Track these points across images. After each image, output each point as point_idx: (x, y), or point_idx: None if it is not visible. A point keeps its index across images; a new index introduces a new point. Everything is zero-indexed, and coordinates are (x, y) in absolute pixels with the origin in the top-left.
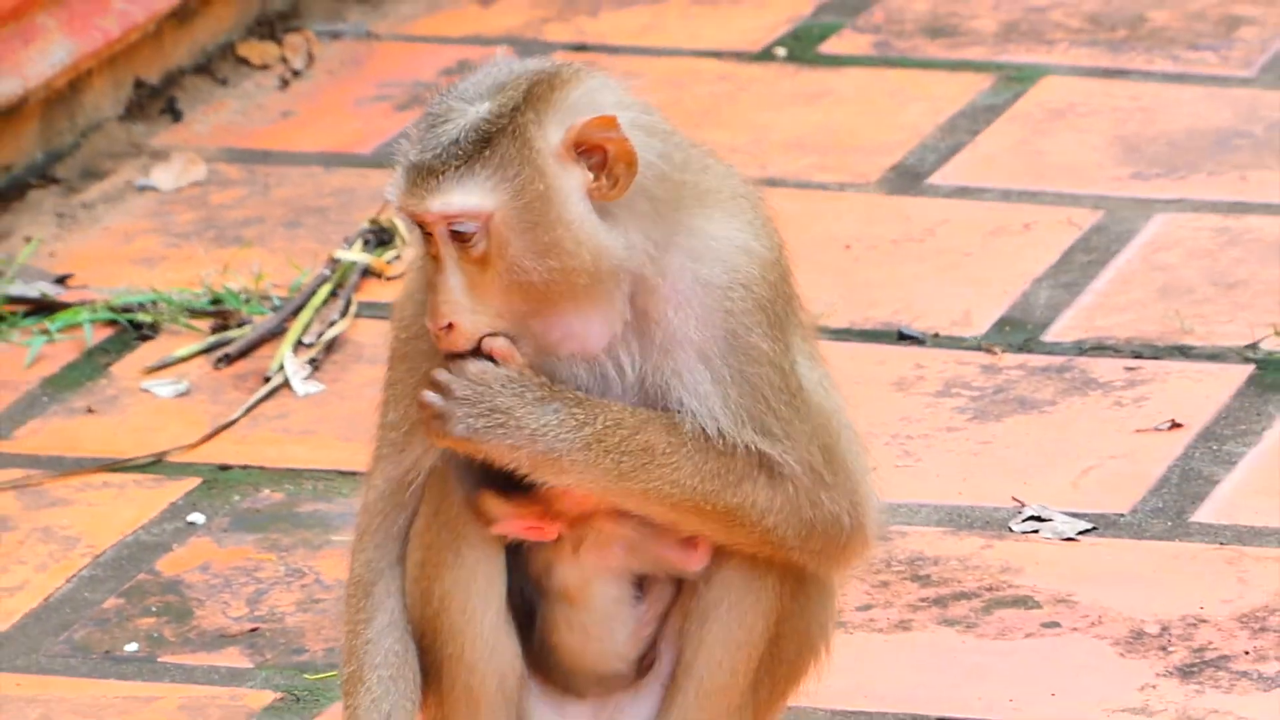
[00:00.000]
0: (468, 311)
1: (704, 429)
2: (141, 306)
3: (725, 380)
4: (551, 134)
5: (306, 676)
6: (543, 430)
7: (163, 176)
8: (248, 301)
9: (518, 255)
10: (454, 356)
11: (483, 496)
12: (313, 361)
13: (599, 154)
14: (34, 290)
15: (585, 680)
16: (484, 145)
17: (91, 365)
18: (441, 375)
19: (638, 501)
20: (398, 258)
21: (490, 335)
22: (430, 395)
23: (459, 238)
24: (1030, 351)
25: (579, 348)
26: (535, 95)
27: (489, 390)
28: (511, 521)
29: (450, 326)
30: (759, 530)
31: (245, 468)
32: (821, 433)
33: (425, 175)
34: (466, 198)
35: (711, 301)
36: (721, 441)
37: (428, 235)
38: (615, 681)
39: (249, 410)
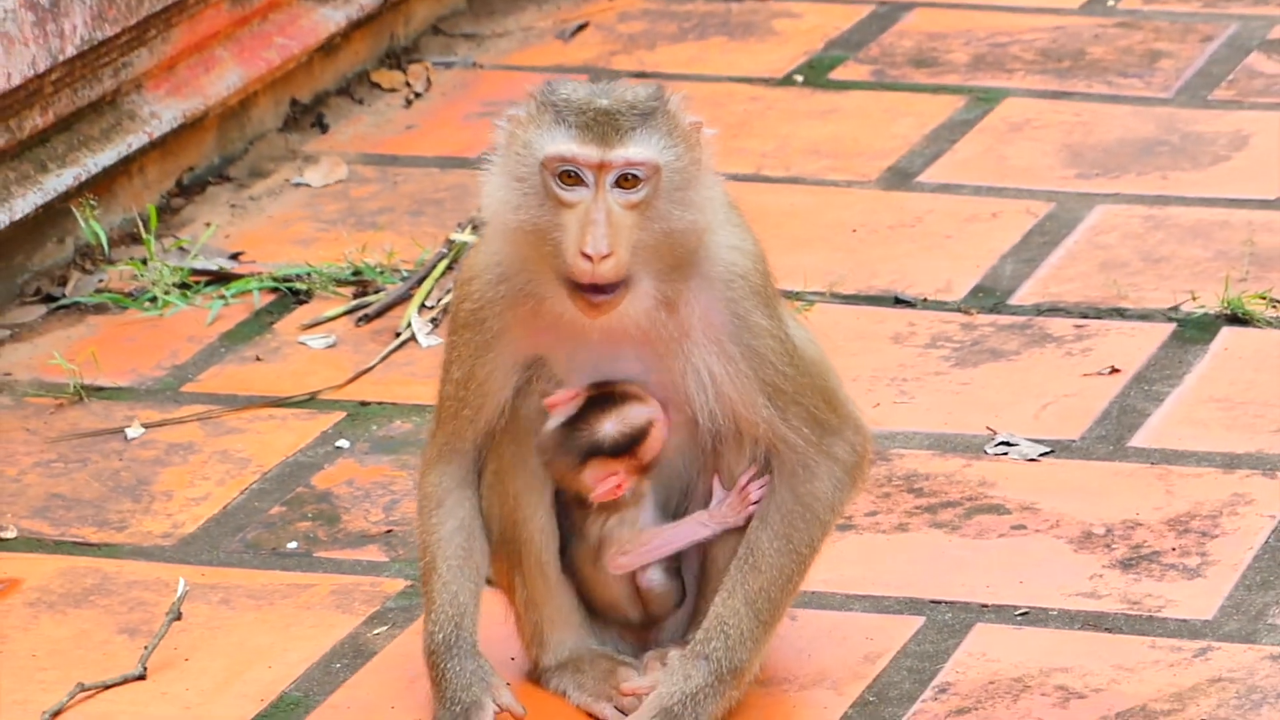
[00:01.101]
0: (623, 245)
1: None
2: (298, 277)
3: (735, 358)
4: (686, 118)
5: None
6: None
7: (313, 176)
8: (381, 273)
9: (668, 205)
10: (599, 291)
11: (590, 464)
12: (434, 320)
13: (703, 147)
14: (213, 264)
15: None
16: (653, 114)
17: (259, 324)
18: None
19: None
20: None
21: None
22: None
23: (626, 183)
24: (999, 312)
25: (654, 313)
26: (666, 91)
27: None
28: (611, 481)
29: (610, 255)
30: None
31: (381, 404)
32: (819, 379)
33: (610, 129)
34: (646, 150)
35: (716, 293)
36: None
37: (570, 181)
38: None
39: (384, 358)
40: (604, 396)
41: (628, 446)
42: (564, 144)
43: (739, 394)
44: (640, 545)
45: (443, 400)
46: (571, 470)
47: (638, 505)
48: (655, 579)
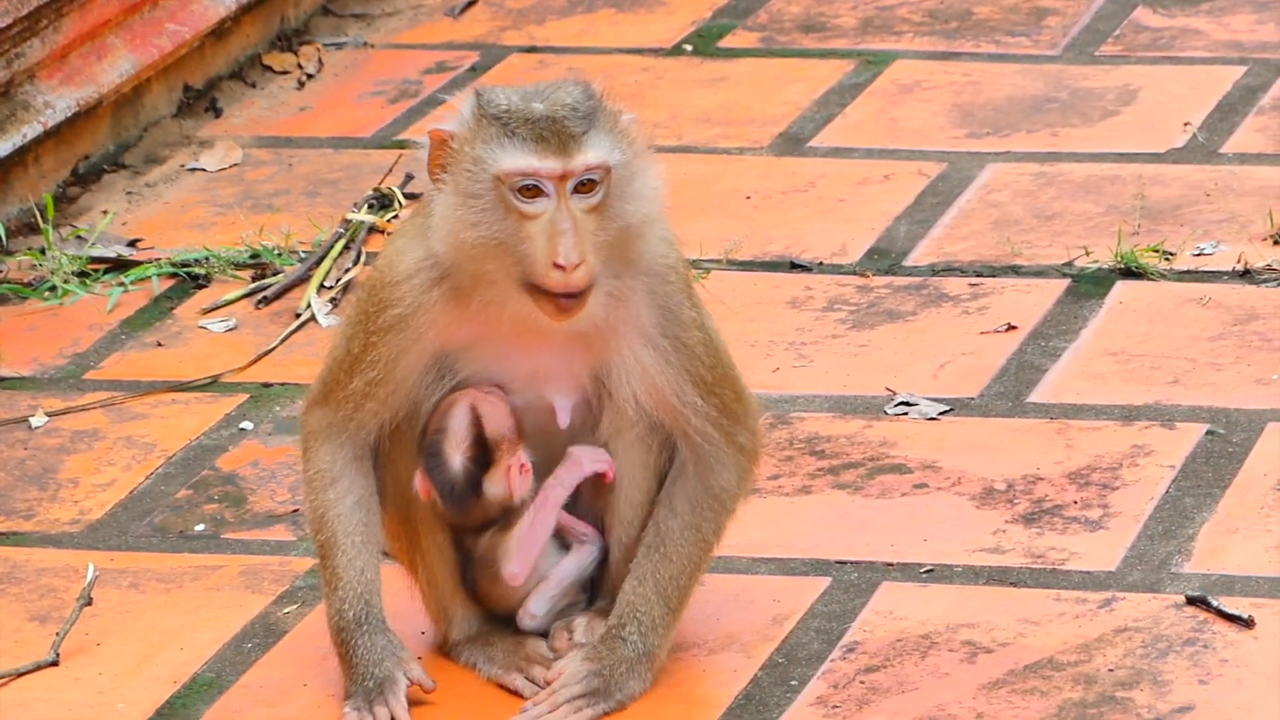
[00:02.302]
0: (590, 251)
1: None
2: (196, 262)
3: (666, 350)
4: (622, 113)
5: None
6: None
7: (208, 160)
8: (279, 255)
9: (620, 202)
10: (569, 297)
11: (484, 488)
12: (333, 300)
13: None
14: (111, 252)
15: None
16: (595, 114)
17: (159, 309)
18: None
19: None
20: (395, 217)
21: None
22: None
23: (583, 188)
24: (894, 274)
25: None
26: (597, 89)
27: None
28: (511, 473)
29: (581, 263)
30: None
31: (283, 384)
32: (730, 369)
33: (565, 138)
34: (600, 153)
35: (649, 287)
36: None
37: (530, 194)
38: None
39: (284, 340)
40: (429, 446)
41: (484, 453)
42: (522, 158)
43: (667, 386)
44: (516, 546)
45: (337, 381)
46: (479, 509)
47: (517, 516)
48: (539, 616)
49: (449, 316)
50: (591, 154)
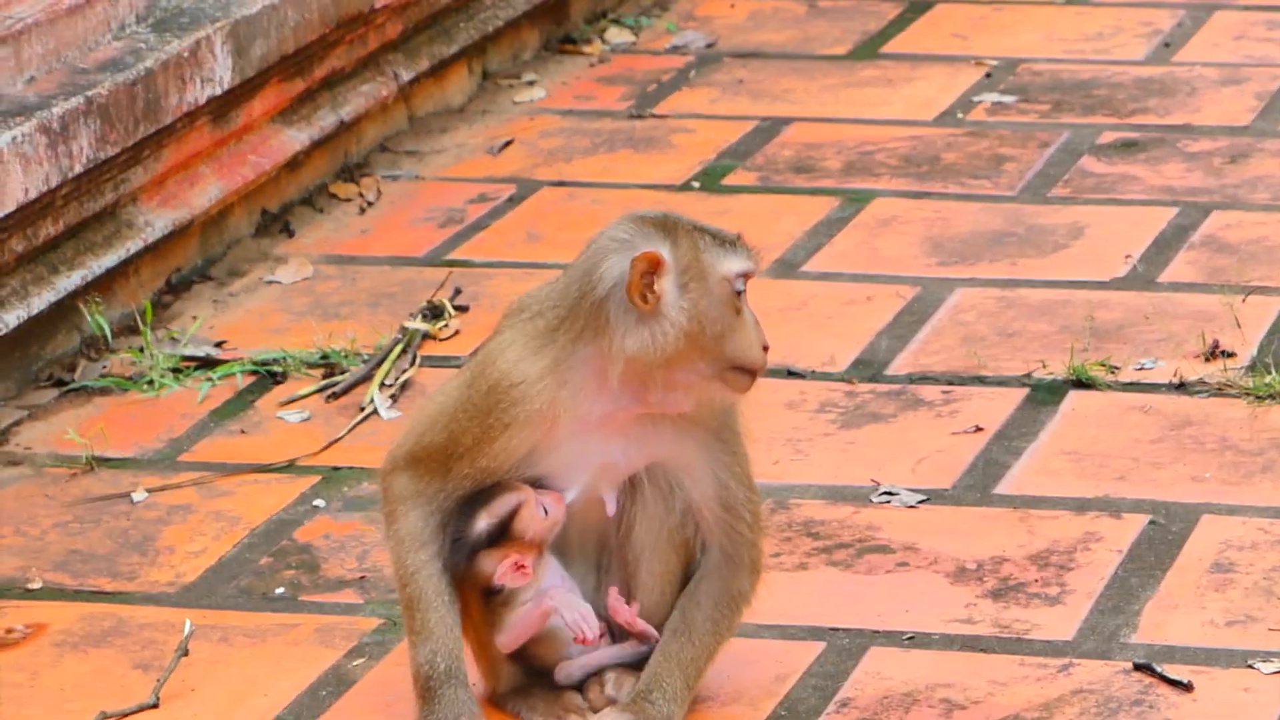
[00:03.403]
0: None
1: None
2: (274, 361)
3: (722, 455)
4: None
5: (398, 608)
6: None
7: (283, 274)
8: (346, 357)
9: None
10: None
11: (477, 558)
12: (393, 396)
13: None
14: (201, 351)
15: None
16: None
17: (242, 401)
18: None
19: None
20: (445, 326)
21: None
22: None
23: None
24: (877, 381)
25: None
26: None
27: None
28: (506, 565)
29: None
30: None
31: (351, 468)
32: (755, 484)
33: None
34: None
35: None
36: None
37: (740, 292)
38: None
39: (351, 430)
40: (476, 496)
41: (500, 534)
42: (744, 261)
43: (727, 485)
44: (511, 624)
45: (432, 458)
46: (469, 571)
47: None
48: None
49: (563, 414)
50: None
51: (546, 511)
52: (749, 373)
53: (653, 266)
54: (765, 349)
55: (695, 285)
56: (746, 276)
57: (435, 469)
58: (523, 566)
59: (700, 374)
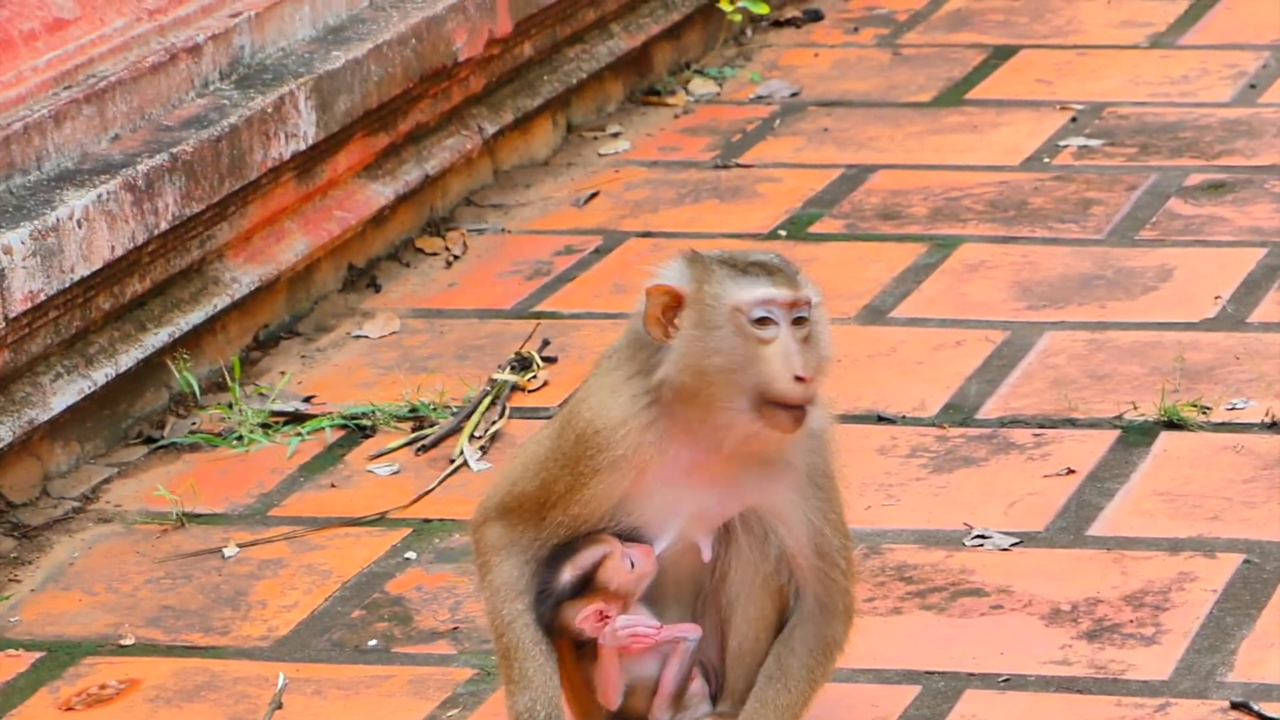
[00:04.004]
0: (815, 370)
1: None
2: (363, 415)
3: (817, 500)
4: None
5: (492, 658)
6: None
7: (371, 329)
8: (435, 410)
9: (816, 336)
10: (801, 412)
11: (562, 608)
12: (483, 448)
13: None
14: (290, 406)
15: None
16: (792, 262)
17: (332, 456)
18: None
19: None
20: (534, 378)
21: None
22: None
23: (799, 323)
24: (968, 425)
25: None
26: None
27: None
28: (588, 614)
29: (815, 377)
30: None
31: (442, 520)
32: (849, 531)
33: (789, 275)
34: (811, 290)
35: (810, 440)
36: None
37: (763, 323)
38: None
39: (441, 481)
40: (562, 548)
41: (582, 587)
42: (761, 290)
43: (822, 531)
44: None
45: (523, 508)
46: (554, 619)
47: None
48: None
49: (653, 459)
50: (809, 289)
51: (633, 564)
52: (784, 406)
53: (668, 298)
54: (801, 380)
55: (706, 315)
56: (771, 304)
57: (527, 518)
58: (607, 617)
59: (736, 408)
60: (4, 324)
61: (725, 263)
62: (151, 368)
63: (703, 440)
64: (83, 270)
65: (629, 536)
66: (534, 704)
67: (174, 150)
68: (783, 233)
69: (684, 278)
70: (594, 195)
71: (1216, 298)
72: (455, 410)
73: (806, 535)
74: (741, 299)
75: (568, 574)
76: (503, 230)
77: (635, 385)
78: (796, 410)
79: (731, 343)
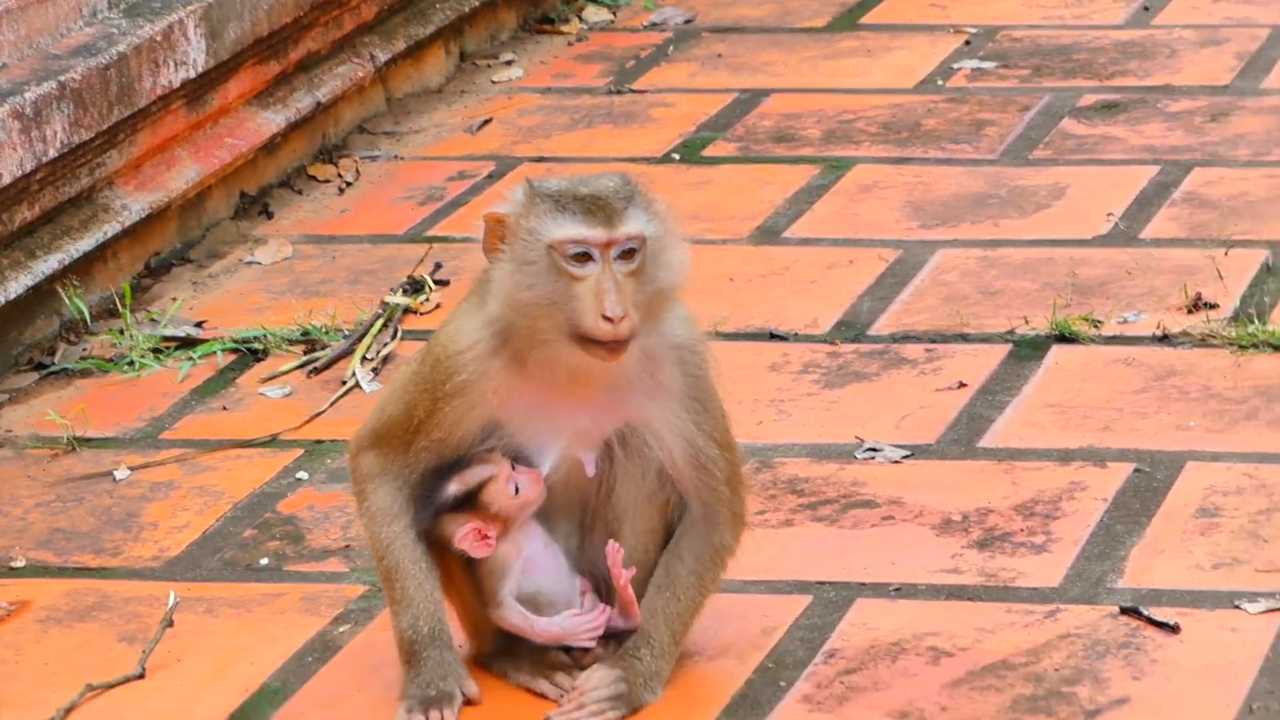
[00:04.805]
0: (632, 307)
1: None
2: (255, 339)
3: (696, 413)
4: (653, 196)
5: None
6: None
7: (263, 255)
8: (326, 333)
9: (653, 269)
10: (616, 344)
11: (443, 519)
12: (375, 370)
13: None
14: (181, 331)
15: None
16: (633, 195)
17: (223, 379)
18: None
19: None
20: (426, 300)
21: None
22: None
23: (625, 256)
24: (860, 342)
25: (635, 370)
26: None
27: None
28: (466, 533)
29: (625, 316)
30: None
31: (333, 441)
32: (734, 441)
33: (609, 213)
34: (638, 226)
35: (678, 356)
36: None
37: (580, 260)
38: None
39: (333, 403)
40: (456, 462)
41: (465, 502)
42: (574, 229)
43: (696, 444)
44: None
45: (394, 435)
46: (434, 528)
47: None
48: None
49: (507, 382)
50: (631, 226)
51: (518, 490)
52: (594, 342)
53: (499, 227)
54: (609, 320)
55: (522, 249)
56: (584, 243)
57: (398, 445)
58: (486, 537)
59: (553, 344)
60: None
61: (550, 196)
62: (42, 295)
63: (535, 368)
64: None
65: (519, 460)
66: (417, 621)
67: (62, 78)
68: (676, 156)
69: (516, 207)
70: (487, 122)
71: (1109, 215)
72: (347, 333)
73: (682, 449)
74: (555, 236)
75: (453, 487)
76: (395, 157)
77: (483, 313)
78: (611, 344)
79: (546, 278)
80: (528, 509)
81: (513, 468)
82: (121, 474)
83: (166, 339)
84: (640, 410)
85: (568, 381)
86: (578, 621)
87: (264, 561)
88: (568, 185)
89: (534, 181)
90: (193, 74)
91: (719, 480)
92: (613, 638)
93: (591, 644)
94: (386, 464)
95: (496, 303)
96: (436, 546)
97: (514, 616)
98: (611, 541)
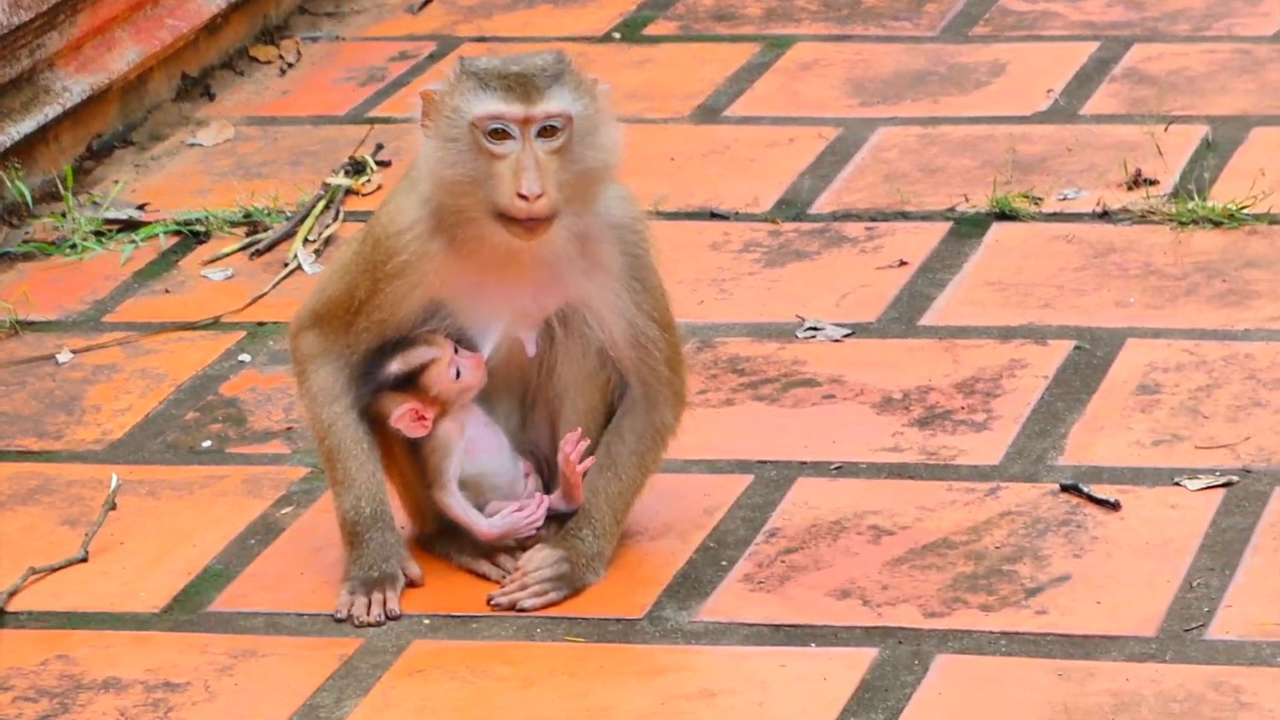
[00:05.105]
0: (551, 185)
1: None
2: (197, 221)
3: (635, 291)
4: (586, 76)
5: None
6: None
7: (205, 137)
8: (269, 215)
9: (581, 149)
10: (534, 222)
11: (380, 398)
12: (317, 251)
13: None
14: (123, 214)
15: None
16: (562, 74)
17: (166, 262)
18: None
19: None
20: (368, 181)
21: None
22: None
23: (547, 133)
24: (800, 220)
25: (566, 248)
26: (568, 56)
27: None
28: (403, 412)
29: (542, 195)
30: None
31: (275, 323)
32: (674, 321)
33: (529, 90)
34: (561, 104)
35: (616, 235)
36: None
37: (499, 137)
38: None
39: (275, 285)
40: (398, 343)
41: (406, 382)
42: (492, 105)
43: (634, 322)
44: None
45: (334, 315)
46: (372, 404)
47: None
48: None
49: (448, 263)
50: (552, 104)
51: (459, 374)
52: (513, 220)
53: (429, 103)
54: (524, 197)
55: (445, 127)
56: (502, 119)
57: (338, 325)
58: (423, 418)
59: (478, 221)
60: None
61: (475, 74)
62: None
63: (470, 247)
64: None
65: (462, 343)
66: (359, 501)
67: None
68: (616, 35)
69: (445, 85)
70: (428, 1)
71: (1049, 91)
72: (289, 215)
73: (622, 329)
74: (475, 113)
75: (395, 366)
76: (337, 38)
77: (419, 191)
78: (529, 223)
79: (468, 155)
80: (467, 394)
81: (455, 351)
82: (64, 357)
83: (109, 222)
84: (579, 290)
85: (502, 261)
86: (518, 518)
87: (206, 444)
88: (497, 64)
89: (465, 60)
90: None
91: (659, 360)
92: (554, 518)
93: (533, 533)
94: (327, 344)
95: (425, 181)
96: (378, 425)
97: (457, 509)
98: (571, 434)
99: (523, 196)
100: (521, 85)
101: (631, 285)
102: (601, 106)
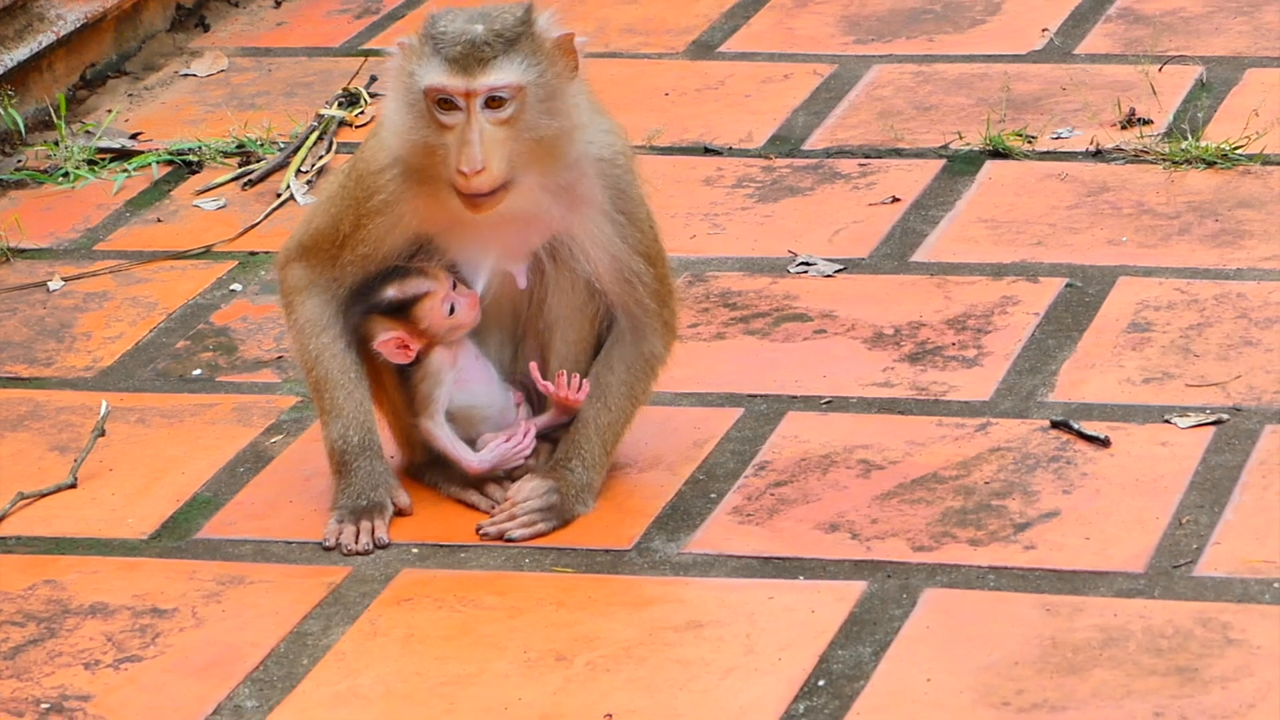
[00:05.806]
0: (495, 160)
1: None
2: (190, 151)
3: (621, 224)
4: (551, 35)
5: None
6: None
7: (199, 67)
8: (262, 145)
9: (535, 116)
10: (478, 196)
11: (371, 319)
12: (309, 182)
13: (570, 57)
14: (116, 143)
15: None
16: (518, 38)
17: (158, 191)
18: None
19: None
20: (361, 113)
21: (500, 190)
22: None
23: (494, 104)
24: (794, 156)
25: (540, 198)
26: (534, 12)
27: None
28: (389, 339)
29: (484, 169)
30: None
31: (267, 253)
32: (664, 253)
33: (475, 60)
34: (507, 75)
35: (599, 171)
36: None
37: (446, 107)
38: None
39: (267, 215)
40: (399, 269)
41: (398, 309)
42: (437, 76)
43: (621, 255)
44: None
45: (321, 248)
46: (360, 324)
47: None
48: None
49: (429, 201)
50: (497, 75)
51: (454, 309)
52: (461, 194)
53: (390, 64)
54: (464, 174)
55: (402, 90)
56: (445, 92)
57: (325, 257)
58: (406, 347)
59: (438, 179)
60: None
61: (434, 37)
62: None
63: (443, 190)
64: None
65: (457, 276)
66: (347, 430)
67: None
68: None
69: (412, 42)
70: None
71: (1044, 30)
72: (282, 146)
73: (607, 263)
74: (424, 83)
75: (391, 292)
76: None
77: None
78: (473, 197)
79: (423, 121)
80: (458, 331)
81: (454, 288)
82: (55, 284)
83: (102, 150)
84: (565, 224)
85: (537, 197)
86: (505, 449)
87: (197, 372)
88: (456, 27)
89: (432, 17)
90: None
91: (644, 293)
92: (544, 439)
93: (522, 463)
94: (314, 276)
95: (388, 136)
96: (367, 350)
97: (444, 442)
98: (559, 377)
99: (461, 172)
100: (466, 56)
101: (615, 219)
102: (559, 69)
